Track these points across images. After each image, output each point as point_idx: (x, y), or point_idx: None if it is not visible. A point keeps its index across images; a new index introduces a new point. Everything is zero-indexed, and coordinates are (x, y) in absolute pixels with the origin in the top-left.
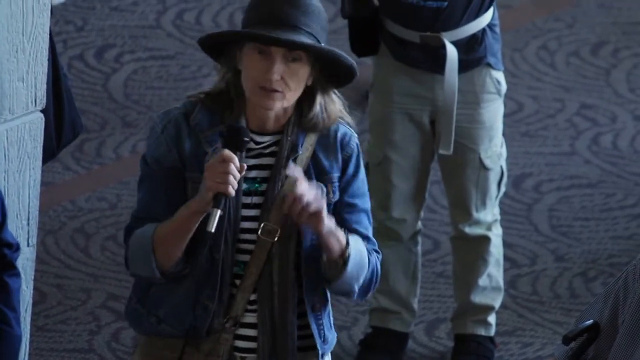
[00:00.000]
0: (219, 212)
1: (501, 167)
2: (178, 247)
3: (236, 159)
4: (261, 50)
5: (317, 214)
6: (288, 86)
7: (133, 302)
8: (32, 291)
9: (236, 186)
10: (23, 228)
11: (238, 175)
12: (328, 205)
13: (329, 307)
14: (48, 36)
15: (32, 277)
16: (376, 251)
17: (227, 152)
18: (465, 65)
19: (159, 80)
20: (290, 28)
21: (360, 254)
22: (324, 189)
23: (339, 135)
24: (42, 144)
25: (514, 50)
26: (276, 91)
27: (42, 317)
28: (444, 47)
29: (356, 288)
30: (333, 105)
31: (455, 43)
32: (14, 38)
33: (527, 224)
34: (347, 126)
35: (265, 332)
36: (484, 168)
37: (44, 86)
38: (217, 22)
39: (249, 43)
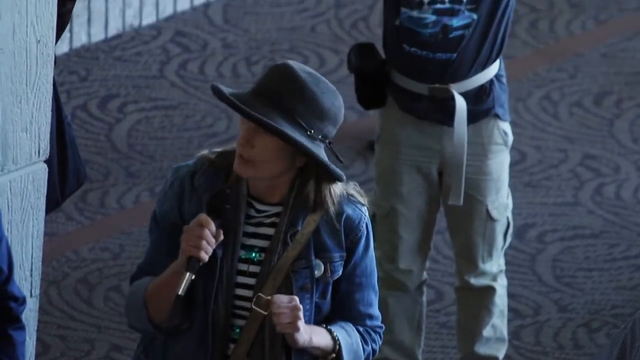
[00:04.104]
0: (190, 276)
1: (507, 218)
2: (165, 303)
3: (212, 225)
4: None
5: (291, 326)
6: (256, 156)
7: (139, 351)
8: (35, 342)
9: (210, 252)
10: (26, 279)
11: (213, 241)
12: (326, 284)
13: None
14: (52, 87)
15: (35, 328)
16: (377, 327)
17: (204, 216)
18: (473, 117)
19: (162, 130)
20: (271, 104)
21: (354, 353)
22: (322, 267)
23: (345, 217)
24: (45, 195)
25: (517, 100)
26: (247, 160)
27: None
28: (452, 98)
29: None
30: (327, 192)
31: (463, 94)
32: (17, 88)
33: (530, 274)
34: (358, 206)
35: None
36: (491, 219)
37: (48, 137)
38: (221, 73)
39: None
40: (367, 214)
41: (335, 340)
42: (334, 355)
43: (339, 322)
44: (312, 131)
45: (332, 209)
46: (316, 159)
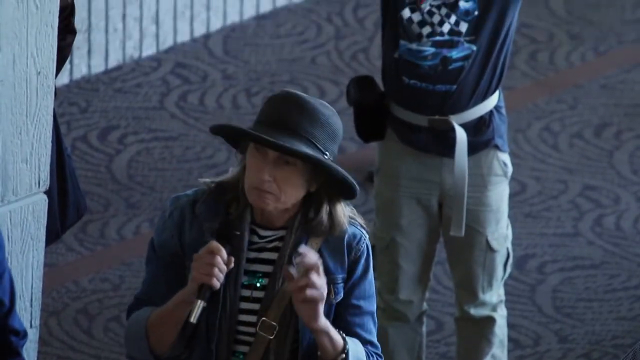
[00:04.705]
0: (202, 304)
1: (507, 248)
2: (169, 333)
3: (224, 252)
4: (259, 149)
5: (313, 303)
6: (281, 189)
7: None
8: None
9: (222, 279)
10: (26, 309)
11: (224, 268)
12: (329, 306)
13: None
14: (52, 118)
15: (35, 359)
16: (379, 355)
17: (215, 244)
18: (473, 148)
19: (162, 161)
20: (290, 132)
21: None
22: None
23: (348, 236)
24: (45, 225)
25: (517, 131)
26: (268, 192)
27: None
28: (452, 130)
29: None
30: (339, 215)
31: (463, 126)
32: (17, 120)
33: (530, 305)
34: (359, 227)
35: None
36: (491, 250)
37: (48, 168)
38: (221, 104)
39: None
40: (367, 235)
41: (344, 340)
42: (343, 355)
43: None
44: (328, 153)
45: (343, 229)
46: (343, 178)
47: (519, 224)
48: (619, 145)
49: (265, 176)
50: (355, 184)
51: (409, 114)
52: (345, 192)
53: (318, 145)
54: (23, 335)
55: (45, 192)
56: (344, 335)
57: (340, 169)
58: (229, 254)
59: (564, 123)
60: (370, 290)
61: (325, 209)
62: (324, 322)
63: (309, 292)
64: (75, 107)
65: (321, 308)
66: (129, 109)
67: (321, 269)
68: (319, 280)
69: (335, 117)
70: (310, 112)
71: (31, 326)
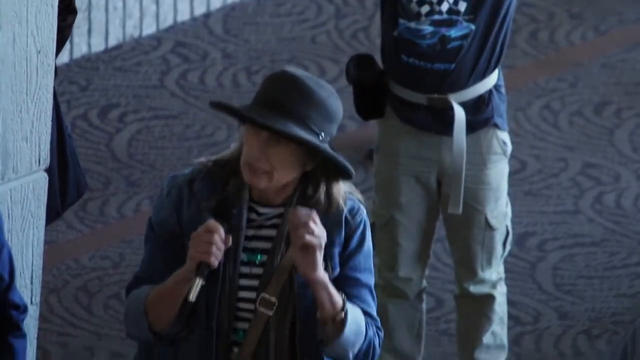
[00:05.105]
0: (200, 282)
1: (506, 226)
2: (168, 311)
3: (221, 230)
4: (253, 128)
5: (311, 250)
6: (273, 168)
7: None
8: (35, 350)
9: (219, 257)
10: (27, 286)
11: (222, 247)
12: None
13: None
14: (52, 96)
15: (36, 336)
16: (378, 328)
17: (213, 222)
18: (472, 126)
19: (162, 139)
20: (283, 113)
21: (357, 322)
22: (323, 264)
23: (346, 210)
24: (45, 203)
25: (517, 109)
26: (260, 170)
27: None
28: (451, 108)
29: (350, 356)
30: (336, 193)
31: (462, 104)
32: (17, 98)
33: (530, 282)
34: (356, 201)
35: None
36: (490, 228)
37: (48, 146)
38: (221, 83)
39: None
40: (364, 209)
41: (344, 300)
42: (342, 314)
43: None
44: (323, 134)
45: (340, 207)
46: (335, 160)
47: (519, 202)
48: (619, 123)
49: (258, 154)
50: (348, 165)
51: (408, 92)
52: (341, 172)
53: (312, 127)
54: (23, 309)
55: (45, 170)
56: (344, 296)
57: (330, 150)
58: (226, 232)
59: (564, 101)
60: (367, 264)
61: (322, 188)
62: (322, 275)
63: (308, 237)
64: (75, 85)
65: (319, 257)
66: (129, 88)
67: (317, 219)
68: (317, 228)
69: (333, 97)
70: (305, 93)
71: (32, 303)
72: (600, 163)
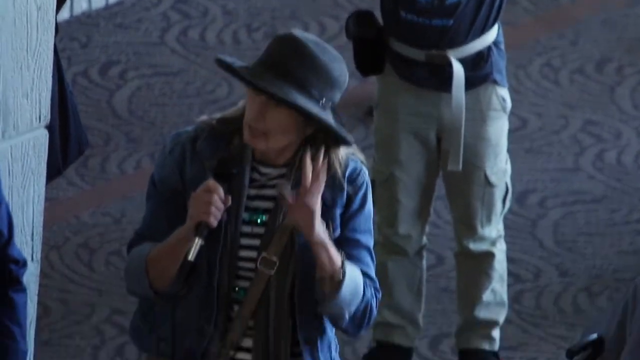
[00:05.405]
0: (199, 242)
1: (506, 183)
2: (169, 270)
3: (221, 190)
4: (253, 89)
5: (308, 209)
6: (270, 129)
7: (137, 318)
8: (36, 305)
9: (219, 217)
10: (27, 243)
11: (221, 206)
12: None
13: (330, 341)
14: (52, 53)
15: (36, 292)
16: (376, 289)
17: (212, 182)
18: (471, 83)
19: (163, 96)
20: (283, 76)
21: (355, 281)
22: (324, 224)
23: (348, 171)
24: (46, 160)
25: (518, 67)
26: (259, 131)
27: (47, 332)
28: (450, 65)
29: (347, 315)
30: (334, 157)
31: (461, 60)
32: (18, 55)
33: (531, 240)
34: (358, 162)
35: None
36: (490, 185)
37: (48, 103)
38: (221, 39)
39: None
40: (366, 170)
41: (342, 259)
42: (340, 274)
43: None
44: (324, 100)
45: (339, 172)
46: (330, 129)
47: (520, 159)
48: (620, 80)
49: (256, 115)
50: (345, 133)
51: (407, 49)
52: (340, 138)
53: (312, 91)
54: (23, 264)
55: (46, 127)
56: (344, 255)
57: (324, 118)
58: (226, 193)
59: (565, 59)
60: (367, 225)
61: (322, 152)
62: (322, 235)
63: (306, 199)
64: (75, 42)
65: (318, 215)
66: (130, 44)
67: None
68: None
69: (337, 62)
70: (307, 57)
71: (32, 260)
72: (601, 120)
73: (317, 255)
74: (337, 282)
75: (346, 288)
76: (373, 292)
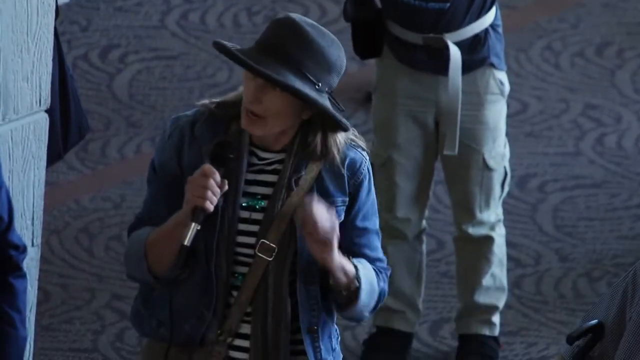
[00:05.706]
0: (195, 226)
1: (504, 167)
2: (167, 254)
3: (217, 174)
4: (250, 72)
5: (327, 244)
6: (267, 113)
7: (137, 303)
8: (36, 291)
9: (215, 201)
10: (27, 228)
11: (217, 191)
12: None
13: (332, 329)
14: (52, 36)
15: (37, 277)
16: (384, 269)
17: (208, 166)
18: (468, 66)
19: (163, 80)
20: (279, 59)
21: (371, 284)
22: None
23: (348, 161)
24: (46, 144)
25: (519, 50)
26: (255, 115)
27: (47, 317)
28: (447, 48)
29: (367, 314)
30: (331, 142)
31: (458, 44)
32: (18, 38)
33: (531, 224)
34: (359, 151)
35: (257, 347)
36: (488, 169)
37: (49, 86)
38: (222, 23)
39: None
40: (368, 157)
41: (356, 267)
42: (356, 282)
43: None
44: (320, 84)
45: (337, 157)
46: (326, 112)
47: (520, 143)
48: (621, 64)
49: (253, 98)
50: (342, 118)
51: (405, 32)
52: (337, 122)
53: (309, 75)
54: (23, 249)
55: (46, 111)
56: (354, 262)
57: (321, 102)
58: (222, 177)
59: (566, 42)
60: (373, 209)
61: (319, 136)
62: (338, 260)
63: (322, 234)
64: (75, 25)
65: (335, 247)
66: (130, 28)
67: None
68: (329, 221)
69: (335, 47)
70: (305, 40)
71: (33, 244)
72: (602, 104)
73: (334, 277)
74: (353, 290)
75: (363, 293)
76: (384, 277)
